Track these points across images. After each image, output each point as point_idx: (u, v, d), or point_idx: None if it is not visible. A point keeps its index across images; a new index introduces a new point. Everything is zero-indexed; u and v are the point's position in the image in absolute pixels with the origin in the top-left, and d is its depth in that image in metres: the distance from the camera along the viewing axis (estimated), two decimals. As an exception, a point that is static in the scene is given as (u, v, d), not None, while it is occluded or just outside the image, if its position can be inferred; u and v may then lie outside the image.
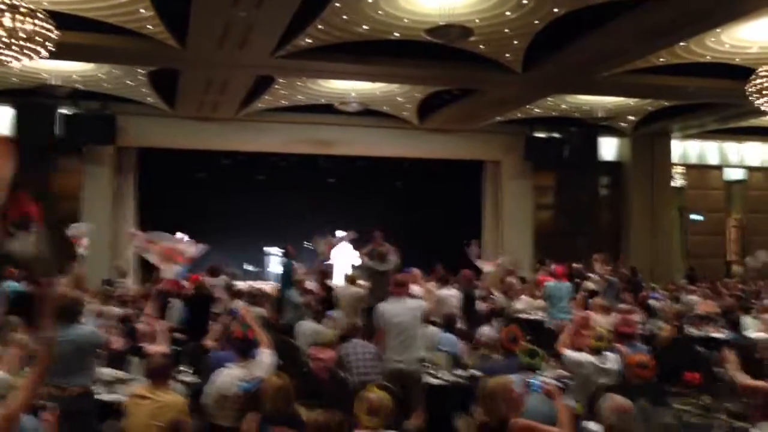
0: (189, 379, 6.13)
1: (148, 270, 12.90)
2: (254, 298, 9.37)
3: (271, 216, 16.52)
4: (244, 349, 5.26)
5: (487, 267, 12.85)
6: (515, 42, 11.48)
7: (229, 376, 5.09)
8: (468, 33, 10.03)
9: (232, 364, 5.23)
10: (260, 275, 16.72)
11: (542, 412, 4.38)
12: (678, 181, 19.63)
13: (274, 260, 16.71)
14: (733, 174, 20.43)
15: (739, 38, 11.44)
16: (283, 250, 12.21)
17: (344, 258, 14.71)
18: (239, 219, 17.00)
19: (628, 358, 5.58)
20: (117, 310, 8.71)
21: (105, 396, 5.54)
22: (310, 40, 11.28)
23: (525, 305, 11.20)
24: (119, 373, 6.04)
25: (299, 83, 14.36)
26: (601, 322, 9.40)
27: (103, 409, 5.27)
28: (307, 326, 8.48)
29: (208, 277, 11.20)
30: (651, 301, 11.72)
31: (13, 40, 8.24)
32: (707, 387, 7.89)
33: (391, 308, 6.53)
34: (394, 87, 14.71)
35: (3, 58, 8.53)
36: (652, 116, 17.11)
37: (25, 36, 8.26)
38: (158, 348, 4.96)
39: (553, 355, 6.53)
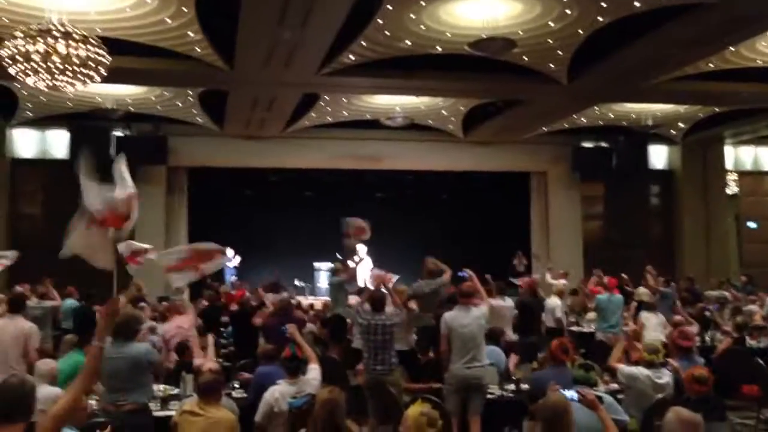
0: (239, 395, 6.20)
1: (198, 286, 13.12)
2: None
3: (320, 231, 16.64)
4: (294, 368, 5.32)
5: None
6: (559, 52, 11.39)
7: (279, 393, 5.14)
8: (511, 45, 10.00)
9: (282, 381, 5.29)
10: (310, 291, 16.83)
11: (590, 425, 4.30)
12: (732, 189, 19.12)
13: (324, 276, 16.80)
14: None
15: (792, 41, 11.17)
16: (332, 266, 12.23)
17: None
18: (288, 235, 17.18)
19: (687, 371, 5.43)
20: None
21: (160, 412, 5.64)
22: (354, 57, 11.39)
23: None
24: (170, 389, 6.15)
25: (344, 99, 14.50)
26: (658, 334, 9.22)
27: (158, 424, 5.36)
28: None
29: (269, 293, 11.31)
30: (706, 313, 11.41)
31: (67, 66, 8.51)
32: (767, 399, 7.68)
33: (458, 317, 6.58)
34: (438, 101, 14.74)
35: (58, 83, 8.81)
36: (703, 123, 16.75)
37: (79, 62, 8.53)
38: (209, 364, 5.04)
39: (605, 369, 6.43)
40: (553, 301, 11.07)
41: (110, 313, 3.51)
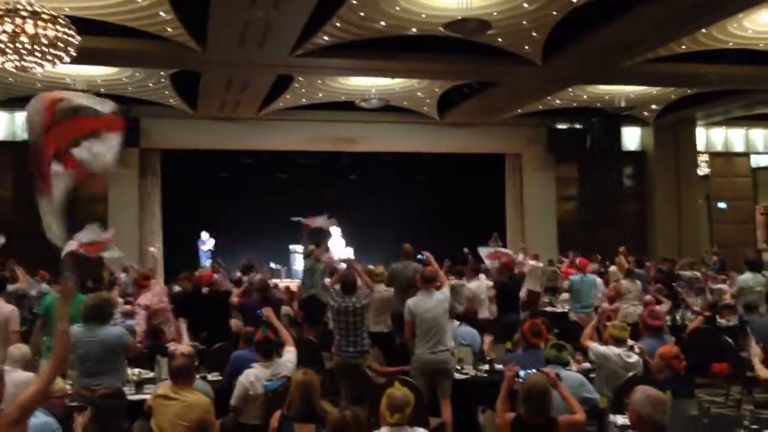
0: (213, 378, 6.19)
1: (172, 269, 13.05)
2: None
3: (295, 214, 16.62)
4: (267, 351, 5.32)
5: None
6: (534, 34, 11.41)
7: (255, 376, 5.15)
8: (486, 26, 10.00)
9: (256, 364, 5.29)
10: (286, 273, 16.81)
11: (560, 403, 4.38)
12: (703, 170, 19.39)
13: (299, 258, 16.77)
14: (761, 161, 20.13)
15: (762, 23, 11.28)
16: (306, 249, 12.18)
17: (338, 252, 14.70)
18: (263, 218, 17.10)
19: (662, 350, 5.51)
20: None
21: (134, 396, 5.62)
22: (327, 38, 11.32)
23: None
24: (144, 372, 6.12)
25: (319, 81, 14.42)
26: (636, 308, 9.39)
27: (133, 408, 5.34)
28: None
29: (242, 275, 11.27)
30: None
31: (35, 47, 8.36)
32: (736, 377, 7.83)
33: (421, 302, 6.61)
34: (413, 82, 14.72)
35: (26, 64, 8.65)
36: (675, 104, 16.93)
37: (47, 42, 8.38)
38: (182, 348, 5.01)
39: (578, 349, 6.50)
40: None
41: (65, 294, 3.40)
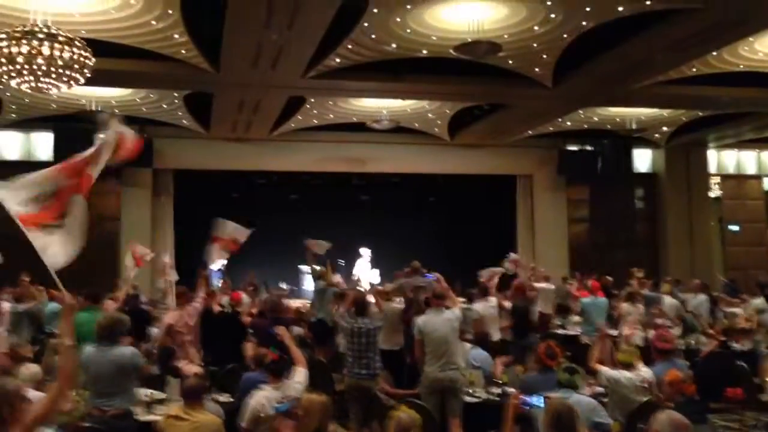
0: (223, 398, 6.18)
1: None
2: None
3: (306, 234, 16.66)
4: (278, 372, 5.31)
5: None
6: (544, 56, 11.45)
7: (264, 398, 5.14)
8: (496, 49, 10.04)
9: (266, 386, 5.28)
10: (296, 294, 16.80)
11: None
12: (715, 192, 19.31)
13: (309, 278, 16.77)
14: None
15: (774, 46, 11.28)
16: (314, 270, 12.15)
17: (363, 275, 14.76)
18: (274, 238, 17.13)
19: (668, 378, 5.45)
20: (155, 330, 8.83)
21: (144, 417, 5.61)
22: (340, 60, 11.40)
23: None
24: (156, 394, 6.11)
25: (330, 102, 14.50)
26: (635, 330, 9.32)
27: (143, 429, 5.34)
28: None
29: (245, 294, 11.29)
30: (687, 315, 11.47)
31: (51, 68, 8.45)
32: (750, 402, 7.74)
33: (430, 320, 6.60)
34: (424, 104, 14.77)
35: (42, 85, 8.74)
36: (686, 127, 16.89)
37: (63, 64, 8.46)
38: (193, 368, 5.02)
39: (589, 372, 6.45)
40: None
41: (70, 310, 3.40)
